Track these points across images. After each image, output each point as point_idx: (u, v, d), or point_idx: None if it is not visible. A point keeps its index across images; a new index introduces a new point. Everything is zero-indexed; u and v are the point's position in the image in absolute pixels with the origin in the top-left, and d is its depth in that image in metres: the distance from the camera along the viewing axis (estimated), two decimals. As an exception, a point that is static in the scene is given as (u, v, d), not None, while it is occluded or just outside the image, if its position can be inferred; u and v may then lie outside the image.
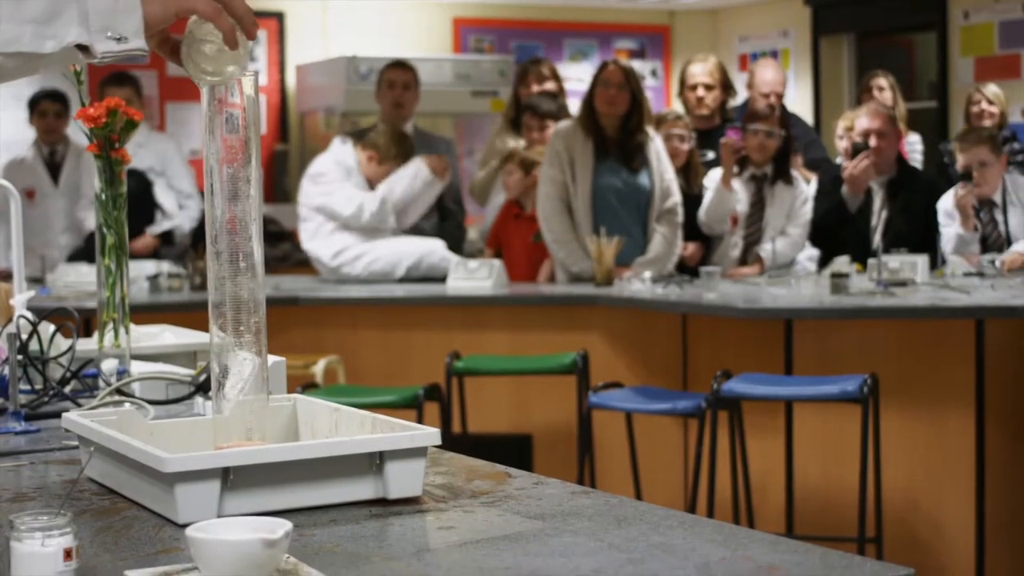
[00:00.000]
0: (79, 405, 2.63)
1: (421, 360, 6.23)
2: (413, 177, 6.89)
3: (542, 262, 6.82)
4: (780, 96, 7.92)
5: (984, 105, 8.12)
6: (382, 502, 1.90)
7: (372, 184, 6.94)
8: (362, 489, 1.90)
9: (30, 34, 1.80)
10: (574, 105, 10.47)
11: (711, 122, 7.53)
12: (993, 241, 6.65)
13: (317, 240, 6.94)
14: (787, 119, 7.07)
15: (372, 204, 6.82)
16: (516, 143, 7.38)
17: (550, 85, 7.62)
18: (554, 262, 6.69)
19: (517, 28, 11.81)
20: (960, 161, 6.71)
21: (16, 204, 3.05)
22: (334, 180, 6.88)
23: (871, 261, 6.11)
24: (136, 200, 7.69)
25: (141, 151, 7.94)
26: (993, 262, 6.30)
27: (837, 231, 6.77)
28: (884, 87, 8.00)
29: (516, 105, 7.65)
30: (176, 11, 1.87)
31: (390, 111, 7.47)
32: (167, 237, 8.20)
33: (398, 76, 7.64)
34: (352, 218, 6.84)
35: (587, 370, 5.71)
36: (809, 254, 6.96)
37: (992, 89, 8.26)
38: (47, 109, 8.25)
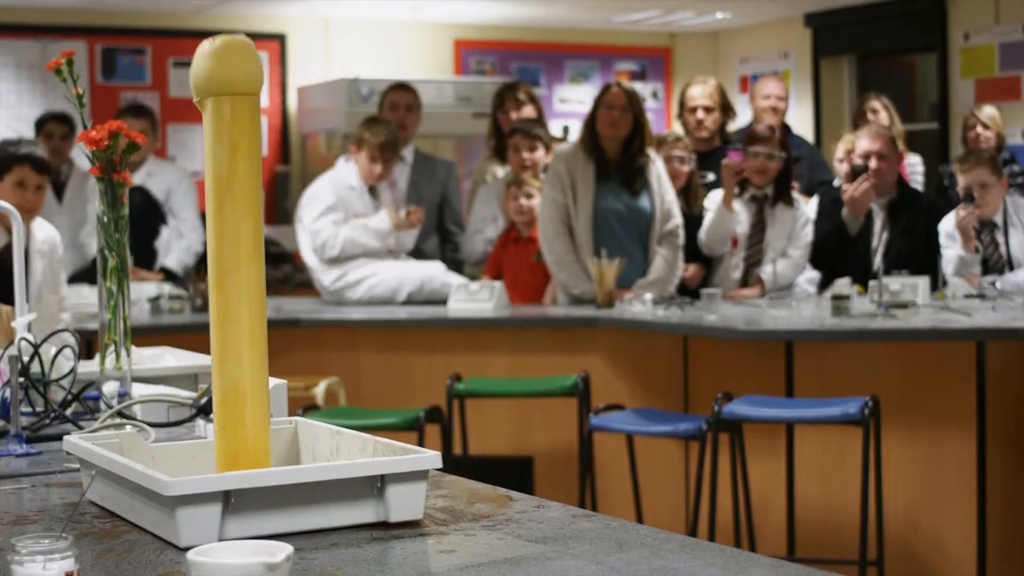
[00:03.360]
0: (80, 427, 2.63)
1: (422, 382, 6.23)
2: (375, 232, 6.90)
3: (544, 283, 6.83)
4: (783, 100, 7.94)
5: (979, 129, 8.12)
6: (383, 525, 1.90)
7: (372, 186, 6.95)
8: (363, 512, 1.90)
9: None
10: (562, 124, 10.52)
11: (711, 144, 7.54)
12: (994, 263, 6.65)
13: (317, 261, 6.95)
14: (787, 141, 7.07)
15: (332, 250, 6.85)
16: (503, 170, 7.40)
17: (528, 110, 7.62)
18: (555, 284, 6.69)
19: (518, 50, 11.82)
20: (961, 182, 6.72)
21: (18, 226, 3.06)
22: (322, 203, 6.89)
23: (872, 283, 6.11)
24: (142, 214, 7.71)
25: (150, 180, 7.96)
26: (994, 283, 6.30)
27: (838, 253, 6.77)
28: (878, 109, 8.00)
29: (497, 132, 7.66)
30: None
31: (393, 132, 7.49)
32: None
33: (401, 98, 7.65)
34: (318, 248, 6.86)
35: (588, 392, 5.71)
36: (810, 276, 6.96)
37: (987, 112, 8.25)
38: (53, 131, 8.28)
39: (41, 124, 8.42)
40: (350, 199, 6.92)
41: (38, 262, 5.66)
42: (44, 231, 5.64)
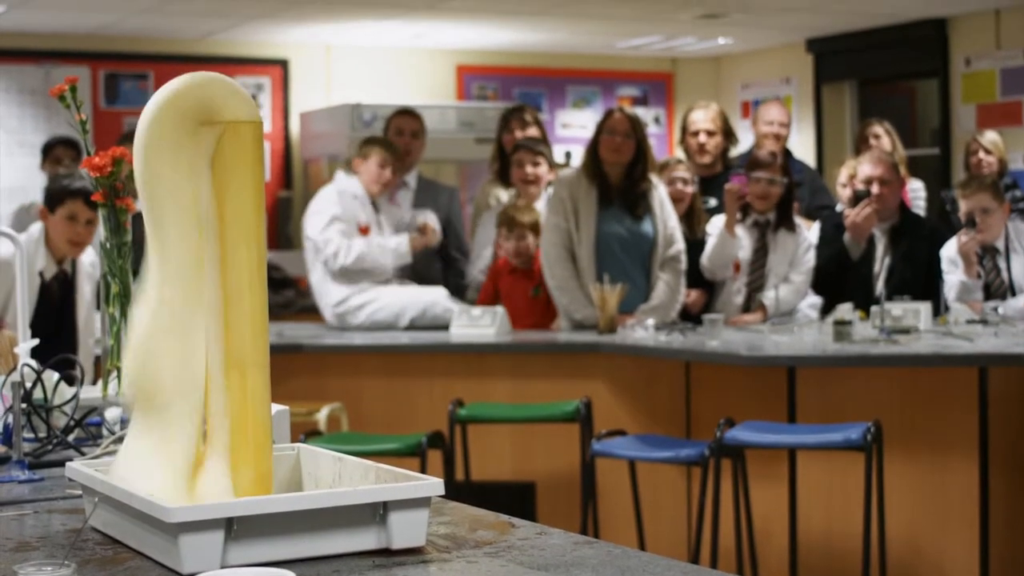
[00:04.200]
0: (83, 454, 2.63)
1: (424, 407, 6.22)
2: (393, 252, 6.93)
3: (541, 316, 6.82)
4: (785, 126, 7.95)
5: (981, 155, 8.12)
6: (385, 552, 1.90)
7: (373, 197, 6.96)
8: (365, 539, 1.90)
9: None
10: (564, 149, 10.52)
11: (712, 169, 7.54)
12: (996, 288, 6.64)
13: (324, 284, 6.95)
14: (789, 166, 7.08)
15: (345, 259, 6.84)
16: (507, 193, 7.40)
17: (533, 131, 7.64)
18: (557, 309, 6.69)
19: (520, 75, 11.84)
20: (962, 208, 6.72)
21: (21, 253, 3.06)
22: (325, 214, 6.89)
23: (874, 308, 6.11)
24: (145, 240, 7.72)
25: None
26: (996, 309, 6.29)
27: (840, 278, 6.77)
28: (880, 135, 7.99)
29: (501, 154, 7.67)
30: None
31: (398, 157, 7.51)
32: None
33: (407, 124, 7.65)
34: (328, 259, 6.86)
35: (590, 418, 5.70)
36: (812, 301, 6.95)
37: (990, 137, 8.25)
38: (61, 155, 8.29)
39: (48, 149, 8.42)
40: (353, 208, 6.93)
41: (86, 285, 5.70)
42: (88, 254, 5.69)
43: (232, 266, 1.99)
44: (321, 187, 7.28)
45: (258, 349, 1.99)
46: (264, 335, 2.00)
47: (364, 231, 6.96)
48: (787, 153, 7.87)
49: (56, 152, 8.34)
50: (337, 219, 6.88)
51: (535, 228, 6.82)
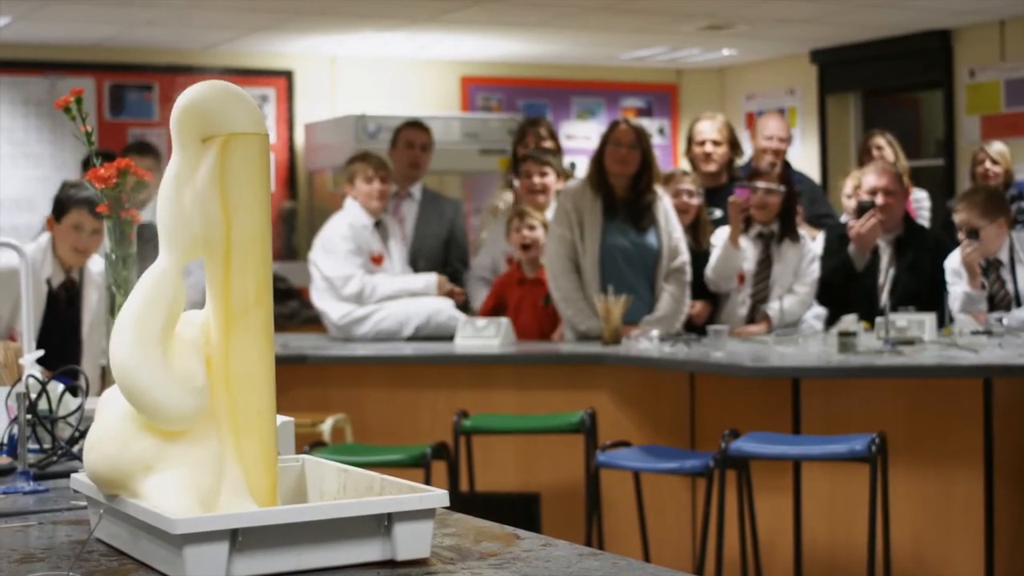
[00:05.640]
0: (88, 465, 2.63)
1: (428, 418, 6.22)
2: (421, 291, 6.96)
3: (553, 326, 6.82)
4: (785, 140, 7.95)
5: (988, 165, 8.12)
6: (390, 564, 1.90)
7: (376, 214, 6.97)
8: (370, 551, 1.90)
9: None
10: (569, 160, 10.55)
11: (718, 180, 7.54)
12: (1000, 299, 6.64)
13: (326, 300, 6.95)
14: (789, 175, 7.08)
15: (370, 297, 6.87)
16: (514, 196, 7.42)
17: (548, 145, 7.66)
18: (562, 320, 6.69)
19: (525, 86, 11.85)
20: (956, 220, 6.73)
21: (26, 264, 3.06)
22: (340, 251, 6.89)
23: (878, 319, 6.10)
24: (152, 251, 7.74)
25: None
26: (1001, 320, 6.29)
27: (844, 289, 6.77)
28: (883, 146, 7.99)
29: (515, 164, 7.68)
30: None
31: (405, 170, 7.51)
32: None
33: (417, 137, 7.65)
34: (350, 297, 6.87)
35: (595, 429, 5.70)
36: (816, 312, 6.95)
37: (996, 148, 8.26)
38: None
39: (89, 160, 8.45)
40: (364, 237, 6.94)
41: (93, 293, 5.71)
42: (98, 264, 5.70)
43: (238, 280, 1.99)
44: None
45: (264, 366, 1.99)
46: (270, 351, 1.99)
47: (377, 261, 6.97)
48: (786, 164, 7.87)
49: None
50: (354, 254, 6.89)
51: (546, 224, 6.84)
